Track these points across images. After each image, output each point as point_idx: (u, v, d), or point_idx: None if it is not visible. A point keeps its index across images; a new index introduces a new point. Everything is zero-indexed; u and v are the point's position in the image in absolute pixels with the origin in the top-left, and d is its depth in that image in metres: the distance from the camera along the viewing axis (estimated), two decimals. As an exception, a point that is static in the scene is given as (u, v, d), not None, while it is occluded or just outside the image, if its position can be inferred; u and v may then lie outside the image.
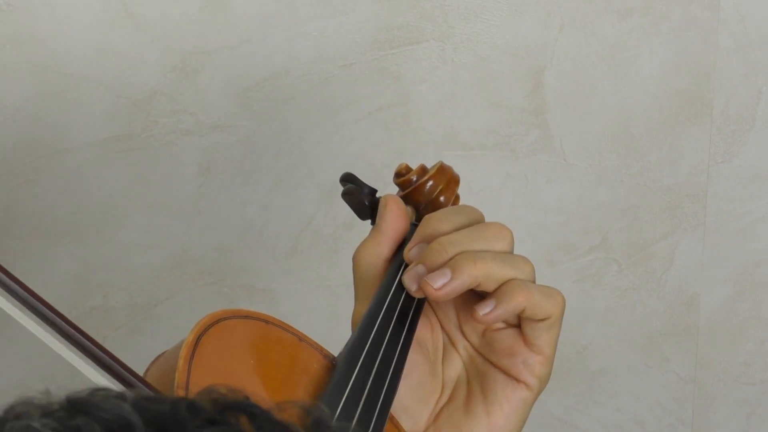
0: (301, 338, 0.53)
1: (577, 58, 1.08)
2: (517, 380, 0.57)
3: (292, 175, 1.07)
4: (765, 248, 1.19)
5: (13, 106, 1.00)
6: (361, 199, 0.65)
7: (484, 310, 0.54)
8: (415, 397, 0.58)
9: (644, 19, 1.08)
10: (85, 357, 0.43)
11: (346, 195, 0.66)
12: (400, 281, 0.58)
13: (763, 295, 1.21)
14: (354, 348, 0.54)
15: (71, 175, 1.03)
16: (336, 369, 0.53)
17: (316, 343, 0.54)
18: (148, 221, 1.06)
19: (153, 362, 0.50)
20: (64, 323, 0.42)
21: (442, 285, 0.53)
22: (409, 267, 0.56)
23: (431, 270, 0.54)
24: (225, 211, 1.07)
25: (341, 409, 0.50)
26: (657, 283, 1.18)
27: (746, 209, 1.17)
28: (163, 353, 0.49)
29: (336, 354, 0.55)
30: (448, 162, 0.68)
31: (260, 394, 0.47)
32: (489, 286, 0.54)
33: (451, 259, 0.54)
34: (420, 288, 0.54)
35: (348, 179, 0.67)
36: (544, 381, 0.58)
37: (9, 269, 1.09)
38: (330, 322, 1.11)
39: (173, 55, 1.01)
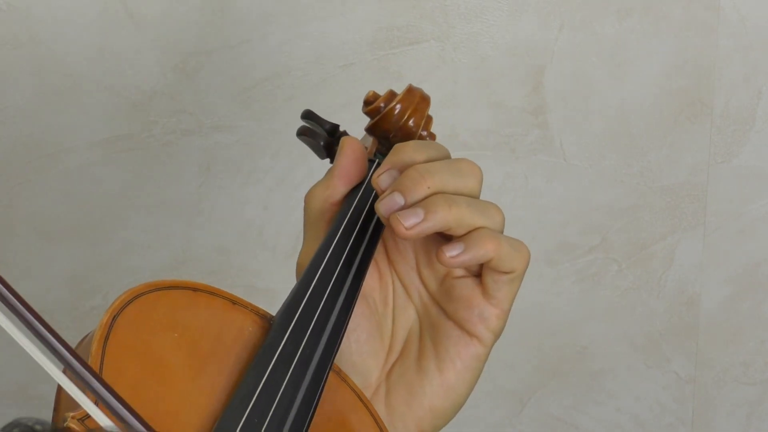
0: (235, 301, 0.51)
1: (577, 58, 1.08)
2: (470, 334, 0.55)
3: (292, 175, 1.07)
4: (765, 248, 1.19)
5: (13, 106, 1.00)
6: (318, 136, 0.62)
7: (450, 252, 0.52)
8: (363, 353, 0.56)
9: (644, 19, 1.08)
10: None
11: (301, 135, 0.63)
12: (349, 225, 0.55)
13: (763, 295, 1.21)
14: (290, 304, 0.53)
15: (71, 175, 1.03)
16: (270, 329, 0.51)
17: (254, 305, 0.52)
18: (148, 221, 1.06)
19: (77, 345, 0.48)
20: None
21: (413, 224, 0.51)
22: (384, 194, 0.53)
23: (409, 199, 0.52)
24: (225, 211, 1.07)
25: (272, 367, 0.49)
26: (657, 283, 1.18)
27: (746, 209, 1.17)
28: (86, 335, 0.48)
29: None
30: None
31: (183, 366, 0.46)
32: (459, 232, 0.53)
33: (425, 198, 0.52)
34: (390, 226, 0.52)
35: (308, 116, 0.63)
36: (496, 336, 0.56)
37: (9, 269, 1.09)
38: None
39: (173, 55, 1.01)
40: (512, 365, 1.19)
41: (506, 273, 0.54)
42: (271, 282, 1.11)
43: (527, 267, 0.55)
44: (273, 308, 1.17)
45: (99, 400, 0.40)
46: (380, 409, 0.55)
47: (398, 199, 0.53)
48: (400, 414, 0.55)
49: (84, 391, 0.40)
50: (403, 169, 0.54)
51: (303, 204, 0.59)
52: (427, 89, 1.08)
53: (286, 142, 1.06)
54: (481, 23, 1.06)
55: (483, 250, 0.52)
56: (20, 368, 1.09)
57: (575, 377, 1.21)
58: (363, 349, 0.56)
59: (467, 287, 0.55)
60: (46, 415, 1.15)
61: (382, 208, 0.53)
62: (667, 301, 1.19)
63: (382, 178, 0.54)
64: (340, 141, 0.59)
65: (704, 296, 1.20)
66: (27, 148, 1.02)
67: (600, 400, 1.23)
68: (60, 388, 0.44)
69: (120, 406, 0.39)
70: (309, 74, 1.04)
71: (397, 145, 0.56)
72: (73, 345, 0.46)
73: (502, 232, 0.55)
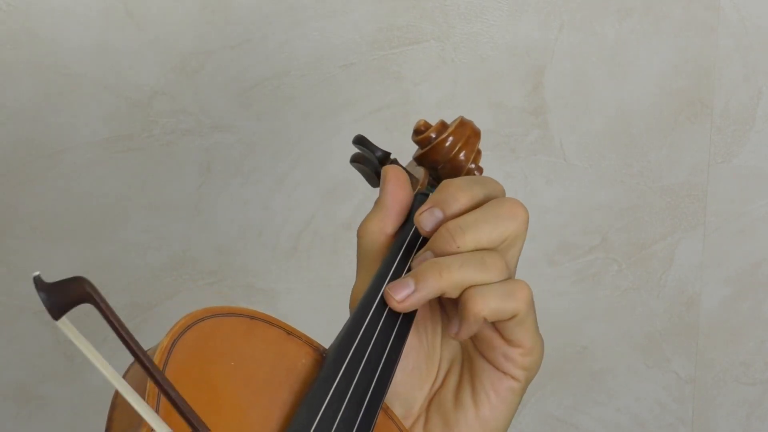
0: (290, 332, 0.51)
1: (577, 58, 1.08)
2: (503, 372, 0.55)
3: (292, 175, 1.07)
4: (765, 248, 1.19)
5: (13, 106, 1.00)
6: (371, 165, 0.62)
7: (452, 330, 0.53)
8: (409, 384, 0.56)
9: (644, 19, 1.08)
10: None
11: (354, 162, 0.63)
12: (402, 260, 0.55)
13: (763, 295, 1.21)
14: (345, 338, 0.52)
15: (71, 175, 1.03)
16: (324, 362, 0.51)
17: (306, 336, 0.51)
18: (148, 221, 1.06)
19: (131, 365, 0.48)
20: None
21: (405, 297, 0.52)
22: (419, 252, 0.54)
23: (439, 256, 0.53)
24: (225, 211, 1.07)
25: (326, 405, 0.48)
26: (657, 283, 1.18)
27: (746, 209, 1.17)
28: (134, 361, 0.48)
29: (329, 345, 0.53)
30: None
31: (238, 397, 0.46)
32: (453, 295, 0.53)
33: (416, 268, 0.53)
34: (388, 294, 0.53)
35: (360, 142, 0.63)
36: (531, 371, 0.56)
37: (9, 269, 1.10)
38: (330, 322, 1.11)
39: (173, 55, 1.01)
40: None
41: (509, 320, 0.54)
42: (271, 282, 1.11)
43: (530, 303, 0.54)
44: (273, 308, 1.17)
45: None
46: None
47: (428, 256, 0.53)
48: None
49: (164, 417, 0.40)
50: (444, 208, 0.54)
51: (351, 262, 0.58)
52: (427, 89, 1.08)
53: (286, 142, 1.06)
54: (481, 23, 1.06)
55: (473, 315, 0.52)
56: (20, 368, 1.10)
57: (575, 377, 1.21)
58: (408, 380, 0.57)
59: (487, 331, 0.56)
60: (45, 415, 1.15)
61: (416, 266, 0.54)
62: (667, 301, 1.19)
63: (423, 217, 0.55)
64: (383, 170, 0.58)
65: (704, 296, 1.20)
66: (27, 148, 1.02)
67: (600, 400, 1.23)
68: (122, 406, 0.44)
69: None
70: (309, 74, 1.04)
71: (444, 182, 0.56)
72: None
73: (506, 276, 0.54)
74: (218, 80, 1.02)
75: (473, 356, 0.57)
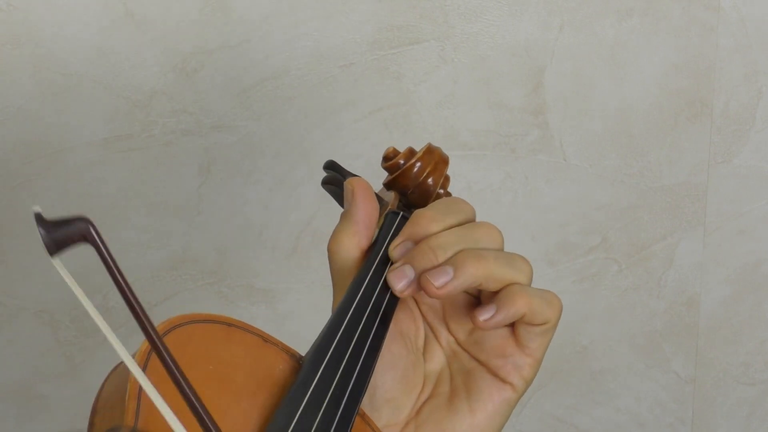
0: (266, 339, 0.51)
1: (577, 58, 1.08)
2: (504, 381, 0.55)
3: (292, 175, 1.07)
4: (765, 248, 1.19)
5: (13, 106, 1.00)
6: (341, 186, 0.63)
7: (484, 315, 0.53)
8: (399, 390, 0.56)
9: (644, 19, 1.08)
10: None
11: (326, 184, 0.64)
12: (375, 275, 0.56)
13: (763, 295, 1.21)
14: (320, 346, 0.53)
15: (71, 175, 1.03)
16: (301, 369, 0.51)
17: (283, 343, 0.52)
18: (148, 221, 1.06)
19: (113, 369, 0.48)
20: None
21: (443, 283, 0.52)
22: (395, 265, 0.55)
23: (418, 271, 0.53)
24: (225, 211, 1.07)
25: (302, 410, 0.48)
26: (657, 283, 1.18)
27: (746, 209, 1.17)
28: (120, 362, 0.48)
29: (304, 353, 0.54)
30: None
31: (217, 400, 0.46)
32: (490, 287, 0.53)
33: (453, 256, 0.53)
34: (418, 285, 0.53)
35: (330, 167, 0.64)
36: (529, 383, 0.56)
37: (9, 269, 1.09)
38: (330, 322, 1.11)
39: (173, 55, 1.01)
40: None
41: (540, 325, 0.54)
42: (271, 282, 1.11)
43: (560, 317, 0.55)
44: (273, 308, 1.17)
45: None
46: None
47: (408, 271, 0.54)
48: None
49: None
50: (417, 240, 0.55)
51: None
52: (427, 89, 1.08)
53: (286, 142, 1.06)
54: (481, 23, 1.06)
55: (515, 308, 0.53)
56: (20, 368, 1.10)
57: (575, 377, 1.21)
58: (398, 386, 0.57)
59: (500, 337, 0.56)
60: (46, 415, 1.15)
61: (392, 279, 0.54)
62: (667, 301, 1.19)
63: (397, 251, 0.55)
64: (347, 183, 0.59)
65: (704, 296, 1.20)
66: (27, 148, 1.02)
67: (600, 400, 1.23)
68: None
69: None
70: (309, 74, 1.04)
71: (416, 213, 0.57)
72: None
73: (530, 282, 0.55)
74: (218, 80, 1.02)
75: (470, 367, 0.56)
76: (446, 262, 0.53)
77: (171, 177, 1.05)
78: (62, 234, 0.38)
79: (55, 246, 0.38)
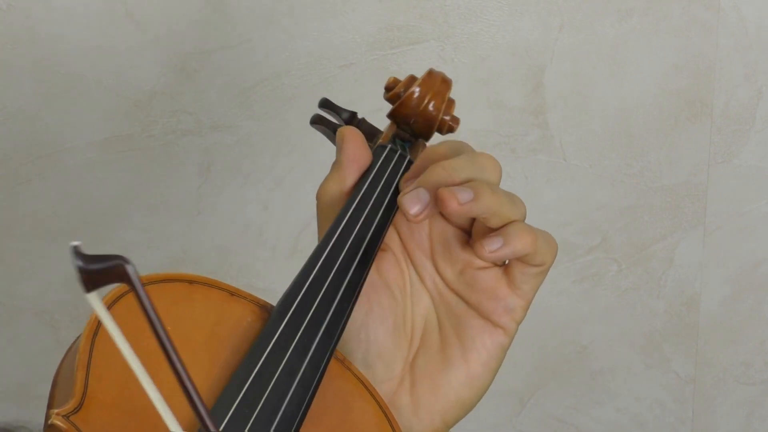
0: (233, 293, 0.50)
1: (577, 58, 1.08)
2: (495, 324, 0.54)
3: (292, 175, 1.07)
4: (765, 248, 1.19)
5: (13, 106, 1.00)
6: (333, 125, 0.61)
7: (491, 246, 0.51)
8: (391, 343, 0.55)
9: (644, 19, 1.08)
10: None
11: (314, 123, 0.62)
12: (357, 210, 0.54)
13: (763, 295, 1.21)
14: (291, 291, 0.51)
15: (71, 175, 1.03)
16: (269, 318, 0.50)
17: (253, 296, 0.50)
18: (148, 221, 1.06)
19: (71, 346, 0.47)
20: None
21: (467, 200, 0.50)
22: (407, 190, 0.52)
23: (436, 189, 0.51)
24: (225, 211, 1.07)
25: (265, 358, 0.47)
26: (657, 283, 1.18)
27: (746, 209, 1.17)
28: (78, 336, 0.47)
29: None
30: None
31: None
32: (492, 222, 0.52)
33: (468, 183, 0.51)
34: (441, 199, 0.50)
35: (325, 105, 0.62)
36: (519, 325, 0.55)
37: (9, 269, 1.09)
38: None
39: (173, 55, 1.01)
40: (513, 365, 1.18)
41: (536, 266, 0.54)
42: (271, 282, 1.11)
43: (554, 261, 0.54)
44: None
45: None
46: (405, 400, 0.55)
47: (422, 194, 0.52)
48: (425, 404, 0.55)
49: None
50: (431, 189, 0.52)
51: (315, 202, 0.58)
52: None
53: (286, 142, 1.06)
54: (481, 23, 1.06)
55: (521, 244, 0.52)
56: (20, 368, 1.10)
57: (575, 377, 1.21)
58: (390, 340, 0.55)
59: (492, 278, 0.54)
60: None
61: (407, 201, 0.52)
62: (667, 301, 1.19)
63: (407, 199, 0.53)
64: (339, 132, 0.58)
65: (704, 296, 1.20)
66: (27, 148, 1.02)
67: (600, 400, 1.23)
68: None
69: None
70: (309, 74, 1.04)
71: (431, 167, 0.54)
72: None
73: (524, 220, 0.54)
74: (218, 80, 1.02)
75: (458, 311, 0.55)
76: (468, 186, 0.51)
77: (171, 177, 1.05)
78: (99, 272, 0.37)
79: (92, 284, 0.37)
